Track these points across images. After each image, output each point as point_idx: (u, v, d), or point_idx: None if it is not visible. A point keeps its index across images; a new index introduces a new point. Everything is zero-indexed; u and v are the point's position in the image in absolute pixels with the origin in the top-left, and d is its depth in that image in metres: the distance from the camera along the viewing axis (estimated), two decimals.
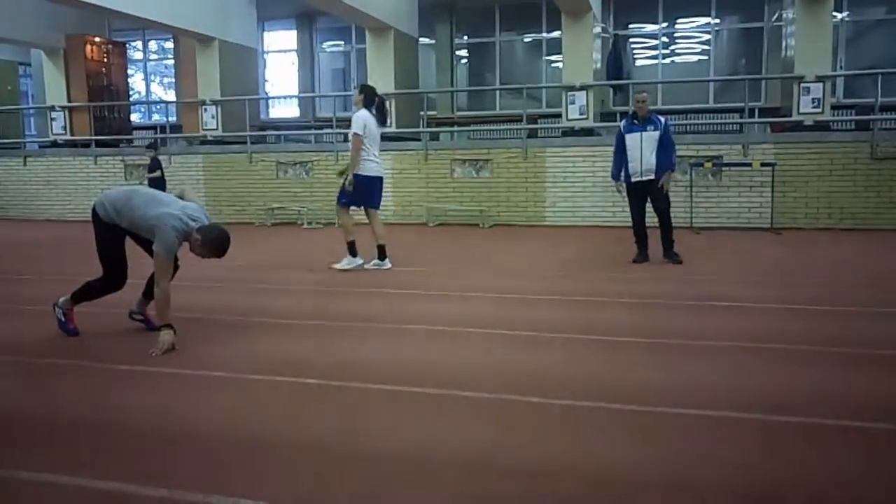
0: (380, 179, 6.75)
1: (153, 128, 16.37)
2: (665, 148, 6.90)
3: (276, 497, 2.25)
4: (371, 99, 6.71)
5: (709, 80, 14.05)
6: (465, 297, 5.47)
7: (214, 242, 3.96)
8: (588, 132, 11.13)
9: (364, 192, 6.64)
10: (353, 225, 6.79)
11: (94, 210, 4.16)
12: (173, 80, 17.86)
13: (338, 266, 6.72)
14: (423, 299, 5.46)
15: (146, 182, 10.67)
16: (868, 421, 2.80)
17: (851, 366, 3.57)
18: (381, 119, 6.78)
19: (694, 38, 14.66)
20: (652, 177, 6.90)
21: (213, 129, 13.43)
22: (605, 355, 3.83)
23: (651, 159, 6.88)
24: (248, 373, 3.53)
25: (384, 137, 12.08)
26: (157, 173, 10.58)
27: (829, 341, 3.98)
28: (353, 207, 6.80)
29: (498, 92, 15.36)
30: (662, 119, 7.00)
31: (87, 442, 2.73)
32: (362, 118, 6.53)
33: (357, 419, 2.92)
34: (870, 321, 4.57)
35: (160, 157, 11.06)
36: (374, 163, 6.63)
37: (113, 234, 4.15)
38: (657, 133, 6.88)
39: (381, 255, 6.76)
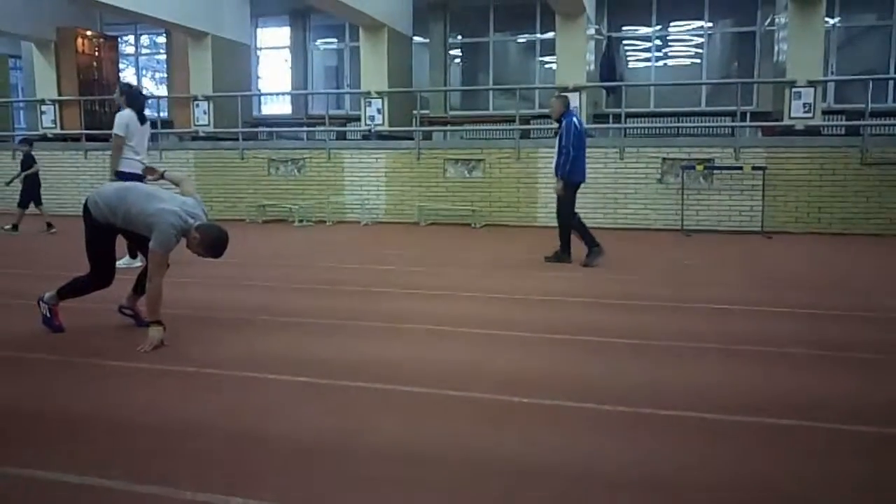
0: (141, 177, 6.63)
1: None
2: (559, 153, 6.97)
3: (268, 495, 2.24)
4: (134, 99, 6.84)
5: (701, 84, 14.13)
6: (455, 296, 5.47)
7: (213, 242, 3.94)
8: None
9: None
10: None
11: (85, 207, 4.11)
12: (165, 75, 17.75)
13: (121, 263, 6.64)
14: (414, 298, 5.46)
15: (21, 180, 10.30)
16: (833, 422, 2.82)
17: (824, 367, 3.60)
18: (142, 119, 6.86)
19: (687, 41, 14.73)
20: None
21: (205, 125, 13.38)
22: (591, 356, 3.84)
23: (553, 163, 7.07)
24: (240, 370, 3.52)
25: (381, 136, 12.19)
26: (34, 169, 10.36)
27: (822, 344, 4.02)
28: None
29: (491, 92, 15.37)
30: (564, 122, 6.95)
31: (77, 438, 2.71)
32: (125, 119, 6.68)
33: (348, 417, 2.91)
34: (831, 323, 4.62)
35: (34, 153, 10.58)
36: (137, 161, 6.74)
37: (104, 232, 4.11)
38: (557, 137, 7.00)
39: (132, 253, 6.66)
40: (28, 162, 10.37)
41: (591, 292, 5.63)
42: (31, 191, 10.28)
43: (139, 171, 6.72)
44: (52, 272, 6.09)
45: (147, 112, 7.12)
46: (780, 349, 3.92)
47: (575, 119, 7.05)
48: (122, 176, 6.58)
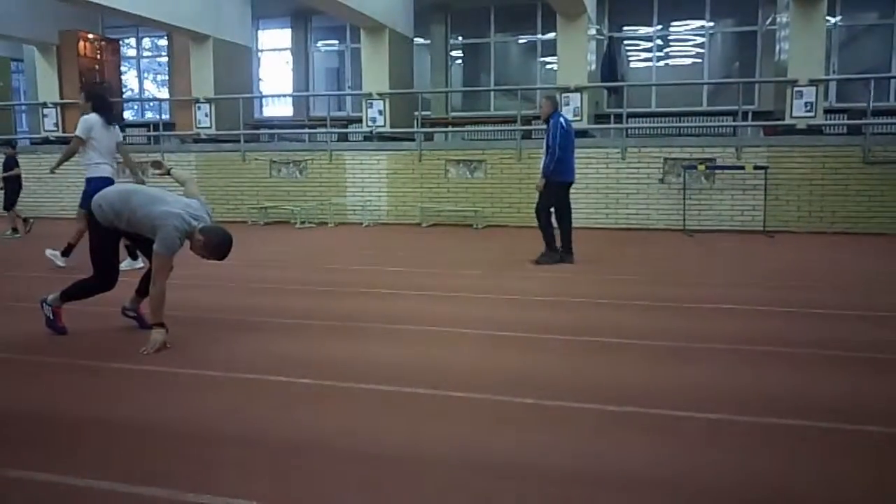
0: (111, 181, 6.62)
1: (146, 125, 16.28)
2: (546, 152, 7.09)
3: (270, 497, 2.24)
4: (100, 103, 6.80)
5: (702, 83, 14.11)
6: (457, 297, 5.48)
7: (217, 245, 3.93)
8: (582, 134, 11.13)
9: (95, 193, 6.54)
10: None
11: (89, 210, 4.11)
12: (167, 77, 17.78)
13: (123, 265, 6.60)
14: (416, 300, 5.47)
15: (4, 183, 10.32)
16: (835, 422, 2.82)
17: (830, 366, 3.60)
18: (108, 120, 6.78)
19: (688, 40, 14.71)
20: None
21: (207, 128, 13.40)
22: (593, 356, 3.84)
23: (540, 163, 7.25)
24: (242, 372, 3.52)
25: (382, 137, 12.20)
26: (15, 171, 10.32)
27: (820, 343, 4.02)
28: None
29: (492, 93, 15.37)
30: (551, 122, 7.06)
31: (80, 440, 2.72)
32: (88, 122, 6.63)
33: (350, 419, 2.92)
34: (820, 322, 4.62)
35: (18, 157, 10.61)
36: (106, 166, 6.71)
37: (108, 235, 4.11)
38: (545, 137, 7.14)
39: (133, 255, 6.65)
40: (10, 164, 10.37)
41: (593, 293, 5.63)
42: (12, 193, 10.29)
43: (107, 175, 6.68)
44: (55, 275, 6.13)
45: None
46: (782, 349, 3.92)
47: (562, 119, 7.13)
48: (91, 183, 6.53)
